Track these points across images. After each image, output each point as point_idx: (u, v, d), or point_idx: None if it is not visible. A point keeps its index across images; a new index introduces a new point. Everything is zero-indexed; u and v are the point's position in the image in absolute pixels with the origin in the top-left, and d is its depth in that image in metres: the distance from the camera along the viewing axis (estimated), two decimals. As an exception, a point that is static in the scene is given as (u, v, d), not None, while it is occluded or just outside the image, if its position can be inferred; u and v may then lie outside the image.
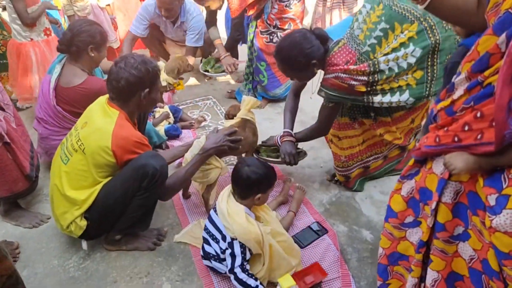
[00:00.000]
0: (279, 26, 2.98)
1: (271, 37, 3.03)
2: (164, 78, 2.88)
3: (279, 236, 1.75)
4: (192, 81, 3.85)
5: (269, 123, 2.99)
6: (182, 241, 2.02)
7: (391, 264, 1.44)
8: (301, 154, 2.32)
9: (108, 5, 3.58)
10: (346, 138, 2.19)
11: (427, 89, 1.86)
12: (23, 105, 3.06)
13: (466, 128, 1.05)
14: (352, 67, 1.79)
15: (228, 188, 1.77)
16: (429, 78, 1.84)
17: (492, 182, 1.06)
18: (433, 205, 1.19)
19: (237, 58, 3.64)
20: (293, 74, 2.02)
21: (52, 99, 2.24)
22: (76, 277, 1.84)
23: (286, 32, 3.00)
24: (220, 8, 3.21)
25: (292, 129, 2.25)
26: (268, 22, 2.96)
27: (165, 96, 3.37)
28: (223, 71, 3.34)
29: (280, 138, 2.22)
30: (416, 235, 1.32)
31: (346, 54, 1.82)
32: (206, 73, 3.50)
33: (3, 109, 1.92)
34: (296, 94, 2.35)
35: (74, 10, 3.30)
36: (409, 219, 1.33)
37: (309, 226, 2.07)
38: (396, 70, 1.80)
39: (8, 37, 2.97)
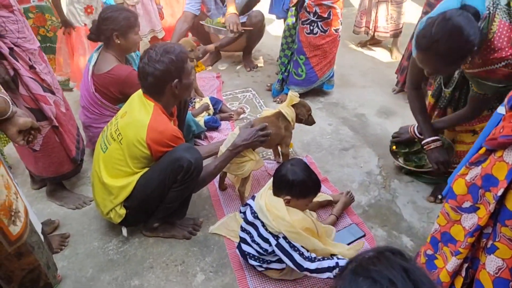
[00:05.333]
0: (319, 14, 2.88)
1: (312, 27, 2.95)
2: None
3: None
4: (233, 72, 3.85)
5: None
6: (217, 233, 2.03)
7: (442, 242, 1.46)
8: (449, 151, 2.03)
9: (156, -6, 3.63)
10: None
11: None
12: (75, 84, 3.19)
13: None
14: None
15: (268, 184, 1.74)
16: None
17: None
18: (500, 192, 1.18)
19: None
20: (444, 69, 1.65)
21: (91, 86, 2.30)
22: (114, 260, 1.90)
23: (325, 21, 2.91)
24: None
25: (434, 131, 1.99)
26: (308, 9, 2.88)
27: (215, 86, 3.40)
28: (225, 27, 3.16)
29: (425, 146, 1.99)
30: (470, 220, 1.33)
31: (508, 32, 1.48)
32: (204, 23, 3.36)
33: (53, 93, 1.99)
34: (418, 87, 2.03)
35: (124, -1, 3.36)
36: (467, 204, 1.33)
37: (345, 228, 2.02)
38: None
39: (56, 23, 3.05)
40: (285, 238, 1.59)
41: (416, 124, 2.12)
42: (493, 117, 1.49)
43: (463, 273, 1.38)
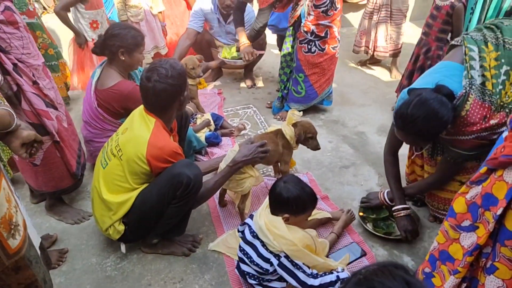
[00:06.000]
0: (316, 33, 2.93)
1: (309, 47, 3.01)
2: None
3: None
4: (234, 89, 3.88)
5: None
6: (216, 250, 2.01)
7: (440, 260, 1.46)
8: (415, 220, 2.11)
9: (160, 12, 3.70)
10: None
11: None
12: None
13: None
14: (492, 121, 1.59)
15: (266, 203, 1.73)
16: None
17: None
18: (499, 211, 1.18)
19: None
20: (423, 141, 1.79)
21: (94, 101, 2.32)
22: (112, 277, 1.88)
23: (323, 40, 2.96)
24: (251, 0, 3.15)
25: (404, 199, 2.06)
26: (305, 29, 2.94)
27: (216, 103, 3.43)
28: (241, 58, 3.28)
29: (395, 213, 2.05)
30: (469, 239, 1.32)
31: (481, 110, 1.60)
32: (224, 59, 3.47)
33: (56, 108, 2.01)
34: (394, 154, 2.12)
35: (127, 16, 3.43)
36: (466, 223, 1.33)
37: (346, 247, 2.00)
38: None
39: (47, 41, 3.11)
40: (286, 257, 1.58)
41: (386, 190, 2.17)
42: (499, 141, 1.50)
43: None
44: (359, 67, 4.39)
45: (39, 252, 1.39)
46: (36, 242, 1.45)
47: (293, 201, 1.63)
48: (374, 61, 4.35)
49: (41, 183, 2.10)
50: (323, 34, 2.94)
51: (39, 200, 2.35)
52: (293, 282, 1.59)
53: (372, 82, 4.05)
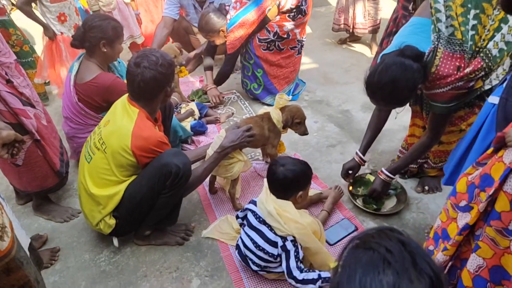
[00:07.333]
0: (279, 34, 2.97)
1: (269, 46, 3.03)
2: None
3: None
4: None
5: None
6: (210, 237, 2.02)
7: (441, 238, 1.47)
8: (402, 194, 2.18)
9: (133, 0, 3.60)
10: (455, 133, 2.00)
11: None
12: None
13: None
14: (467, 70, 1.60)
15: (265, 188, 1.73)
16: None
17: None
18: (491, 192, 1.18)
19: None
20: (396, 105, 1.78)
21: (74, 96, 2.26)
22: (107, 271, 1.87)
23: (283, 41, 3.00)
24: (224, 43, 3.10)
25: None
26: (269, 28, 2.94)
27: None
28: (209, 102, 3.27)
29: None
30: (463, 219, 1.33)
31: (453, 61, 1.61)
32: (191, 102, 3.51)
33: (33, 106, 1.95)
34: (380, 109, 2.15)
35: (99, 6, 3.32)
36: (463, 203, 1.33)
37: (337, 223, 2.03)
38: (506, 48, 1.59)
39: (21, 37, 3.02)
40: (292, 240, 1.61)
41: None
42: (484, 107, 1.49)
43: (445, 271, 1.40)
44: (340, 45, 4.39)
45: (28, 253, 1.37)
46: (25, 243, 1.43)
47: (300, 177, 1.69)
48: (354, 38, 4.35)
49: (25, 183, 2.05)
50: (285, 36, 2.99)
51: (25, 201, 2.30)
52: (284, 264, 1.62)
53: (353, 59, 4.05)
